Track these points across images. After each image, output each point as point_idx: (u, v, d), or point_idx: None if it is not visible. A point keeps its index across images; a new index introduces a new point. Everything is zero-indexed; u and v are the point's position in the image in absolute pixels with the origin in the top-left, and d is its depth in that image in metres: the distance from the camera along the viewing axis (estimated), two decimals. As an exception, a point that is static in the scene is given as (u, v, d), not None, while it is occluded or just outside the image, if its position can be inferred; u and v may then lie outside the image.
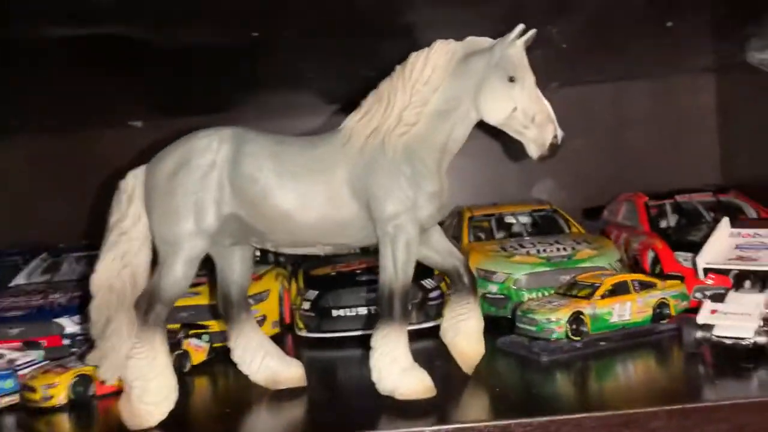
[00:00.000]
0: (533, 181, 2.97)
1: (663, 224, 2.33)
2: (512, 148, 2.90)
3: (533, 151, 1.42)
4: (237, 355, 1.58)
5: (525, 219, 2.48)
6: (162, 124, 2.82)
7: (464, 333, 1.55)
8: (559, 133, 1.40)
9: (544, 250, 2.11)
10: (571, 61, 2.45)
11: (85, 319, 2.05)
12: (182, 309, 1.97)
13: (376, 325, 1.43)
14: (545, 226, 2.42)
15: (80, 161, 3.05)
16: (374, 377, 1.41)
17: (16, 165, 3.02)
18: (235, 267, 1.56)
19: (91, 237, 2.70)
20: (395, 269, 1.42)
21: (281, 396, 1.55)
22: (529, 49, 1.47)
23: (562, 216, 2.46)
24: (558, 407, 1.34)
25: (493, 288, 2.05)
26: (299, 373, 1.58)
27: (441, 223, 2.63)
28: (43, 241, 2.66)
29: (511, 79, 1.40)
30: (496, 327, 1.87)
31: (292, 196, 1.42)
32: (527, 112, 1.40)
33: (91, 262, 2.48)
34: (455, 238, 2.43)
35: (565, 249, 2.11)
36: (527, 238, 2.30)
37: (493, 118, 1.43)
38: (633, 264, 2.21)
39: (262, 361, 1.56)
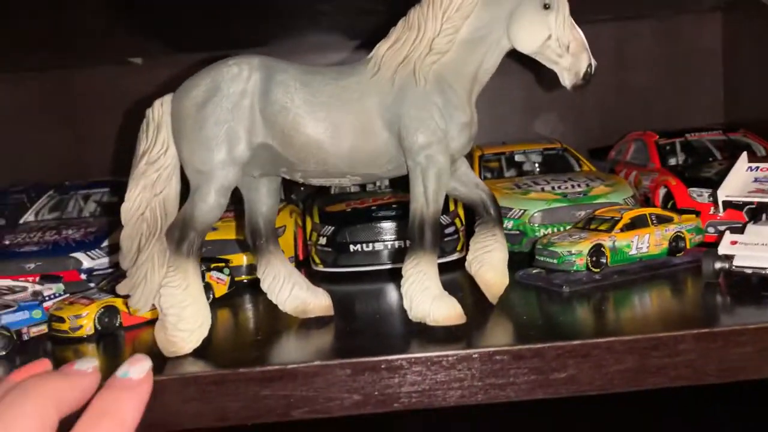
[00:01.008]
0: (536, 119, 2.98)
1: (672, 162, 2.35)
2: (515, 87, 2.92)
3: (567, 80, 1.41)
4: (266, 286, 1.59)
5: (536, 157, 2.50)
6: (163, 60, 2.79)
7: (490, 264, 1.57)
8: (593, 62, 1.40)
9: (559, 187, 2.13)
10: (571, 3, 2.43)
11: (100, 255, 2.07)
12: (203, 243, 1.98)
13: (406, 254, 1.45)
14: (556, 165, 2.44)
15: (80, 98, 3.01)
16: (406, 304, 1.43)
17: (15, 103, 2.97)
18: (263, 199, 1.56)
19: (94, 174, 2.69)
20: (426, 199, 1.42)
21: (309, 324, 1.57)
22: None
23: (572, 154, 2.48)
24: (586, 332, 1.38)
25: (509, 224, 2.07)
26: (327, 302, 1.60)
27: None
28: (45, 180, 2.64)
29: (546, 6, 1.39)
30: (511, 262, 1.90)
31: (324, 126, 1.41)
32: (562, 41, 1.39)
33: (98, 199, 2.49)
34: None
35: (579, 185, 2.13)
36: (540, 175, 2.32)
37: (527, 47, 1.42)
38: (644, 201, 2.24)
39: (291, 290, 1.58)
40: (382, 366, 1.29)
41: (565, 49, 1.39)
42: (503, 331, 1.49)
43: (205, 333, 1.43)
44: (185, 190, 1.46)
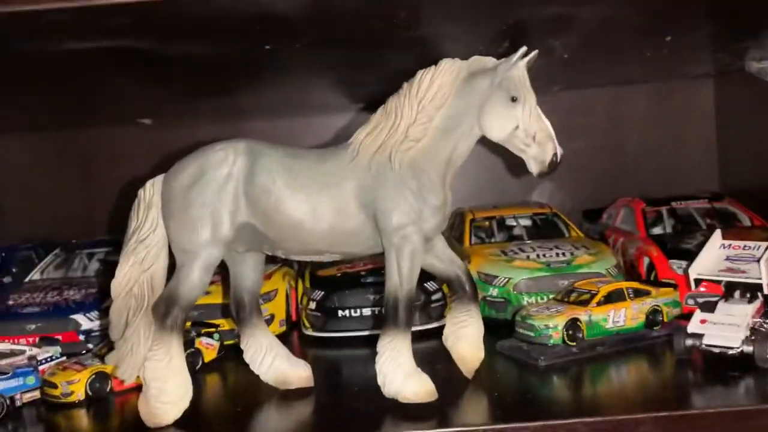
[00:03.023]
0: (533, 181, 3.03)
1: (659, 229, 2.40)
2: (510, 152, 3.00)
3: (534, 167, 1.48)
4: (248, 357, 1.66)
5: (526, 222, 2.55)
6: (172, 123, 2.92)
7: (465, 339, 1.62)
8: (559, 151, 1.46)
9: (544, 255, 2.18)
10: (572, 68, 2.51)
11: (100, 316, 2.14)
12: (194, 308, 2.05)
13: (381, 331, 1.51)
14: (545, 230, 2.49)
15: (90, 157, 3.12)
16: (380, 381, 1.49)
17: (29, 160, 3.09)
18: (248, 273, 1.63)
19: (102, 232, 2.78)
20: (400, 278, 1.49)
21: (290, 396, 1.62)
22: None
23: (562, 220, 2.53)
24: (553, 412, 1.42)
25: (494, 292, 2.12)
26: (307, 373, 1.66)
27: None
28: (54, 237, 2.73)
29: (513, 99, 1.46)
30: (496, 330, 1.94)
31: (303, 207, 1.49)
32: (528, 131, 1.46)
33: (102, 258, 2.57)
34: (456, 239, 2.50)
35: (563, 254, 2.18)
36: (528, 242, 2.37)
37: (496, 136, 1.50)
38: (630, 269, 2.28)
39: (272, 362, 1.64)
40: (352, 445, 1.34)
41: (531, 138, 1.46)
42: (474, 408, 1.53)
43: (186, 405, 1.48)
44: (172, 266, 1.54)
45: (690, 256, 2.03)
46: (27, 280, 2.44)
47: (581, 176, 2.99)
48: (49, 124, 2.99)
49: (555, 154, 1.46)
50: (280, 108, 2.79)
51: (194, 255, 1.48)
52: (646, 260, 2.20)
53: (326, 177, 1.51)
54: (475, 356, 1.63)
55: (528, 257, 2.19)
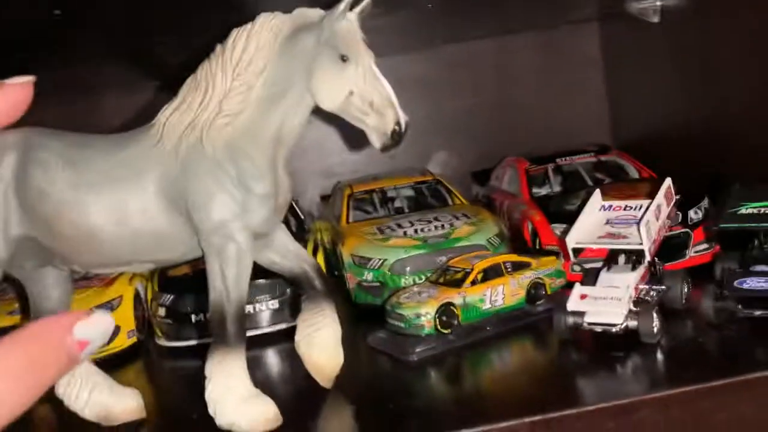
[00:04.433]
0: (423, 148, 2.82)
1: (544, 190, 2.24)
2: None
3: (375, 140, 1.24)
4: (60, 390, 1.37)
5: (408, 192, 2.35)
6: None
7: (319, 345, 1.39)
8: (402, 120, 1.22)
9: (422, 230, 1.97)
10: (446, 21, 2.29)
11: None
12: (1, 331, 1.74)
13: (208, 351, 1.25)
14: (428, 199, 2.30)
15: None
16: (210, 410, 1.24)
17: None
18: (49, 292, 1.33)
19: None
20: (225, 286, 1.23)
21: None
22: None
23: (445, 187, 2.33)
24: (413, 426, 1.21)
25: (369, 276, 1.90)
26: (135, 404, 1.39)
27: (326, 198, 2.49)
28: None
29: (343, 58, 1.21)
30: (373, 316, 1.73)
31: (93, 210, 1.20)
32: (364, 96, 1.22)
33: None
34: (335, 217, 2.27)
35: (443, 227, 1.97)
36: (408, 214, 2.16)
37: (328, 104, 1.25)
38: (515, 234, 2.11)
39: (90, 395, 1.36)
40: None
41: (368, 105, 1.22)
42: (329, 425, 1.31)
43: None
44: None
45: (573, 218, 1.87)
46: None
47: (472, 136, 2.81)
48: None
49: (398, 123, 1.22)
50: (88, 84, 2.38)
51: (-42, 279, 1.17)
52: (529, 225, 2.03)
53: (122, 169, 1.22)
54: (332, 364, 1.40)
55: (405, 233, 1.97)
